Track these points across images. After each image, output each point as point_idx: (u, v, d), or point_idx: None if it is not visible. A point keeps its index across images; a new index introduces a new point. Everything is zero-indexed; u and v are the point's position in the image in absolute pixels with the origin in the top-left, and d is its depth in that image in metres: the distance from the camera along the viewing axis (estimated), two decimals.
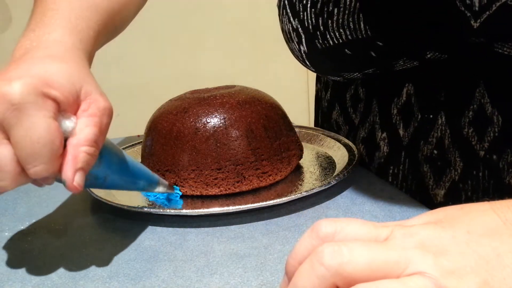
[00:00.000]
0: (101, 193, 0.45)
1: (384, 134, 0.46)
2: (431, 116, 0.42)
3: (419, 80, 0.42)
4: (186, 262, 0.35)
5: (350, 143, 0.52)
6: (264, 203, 0.41)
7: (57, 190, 0.52)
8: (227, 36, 1.86)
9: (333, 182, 0.44)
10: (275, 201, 0.41)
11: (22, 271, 0.36)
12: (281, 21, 0.49)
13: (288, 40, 0.48)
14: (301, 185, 0.47)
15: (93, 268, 0.35)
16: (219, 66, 1.88)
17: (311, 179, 0.48)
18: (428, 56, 0.39)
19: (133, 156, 0.57)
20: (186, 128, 0.45)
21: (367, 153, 0.48)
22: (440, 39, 0.37)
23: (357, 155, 0.49)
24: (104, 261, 0.36)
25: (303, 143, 0.53)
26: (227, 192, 0.45)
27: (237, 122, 0.45)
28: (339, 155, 0.52)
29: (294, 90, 1.96)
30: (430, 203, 0.43)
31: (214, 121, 0.44)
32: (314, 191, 0.43)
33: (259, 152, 0.46)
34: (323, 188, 0.43)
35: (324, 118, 0.58)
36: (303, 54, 0.47)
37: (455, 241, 0.22)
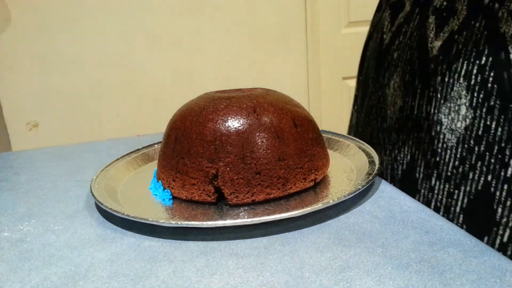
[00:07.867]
0: (102, 199, 0.45)
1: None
2: None
3: None
4: (186, 262, 0.35)
5: (369, 148, 0.52)
6: (283, 215, 0.38)
7: (57, 190, 0.52)
8: (227, 37, 1.86)
9: (352, 194, 0.41)
10: (296, 212, 0.39)
11: (22, 271, 0.36)
12: None
13: None
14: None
15: (93, 268, 0.35)
16: (219, 66, 1.88)
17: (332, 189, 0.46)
18: None
19: (148, 156, 0.57)
20: (209, 129, 0.43)
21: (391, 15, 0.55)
22: None
23: (377, 164, 0.47)
24: (104, 261, 0.36)
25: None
26: (268, 197, 0.44)
27: (265, 127, 0.43)
28: (357, 158, 0.51)
29: (294, 90, 1.96)
30: (426, 58, 0.47)
31: (240, 123, 0.43)
32: (333, 203, 0.40)
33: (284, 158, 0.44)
34: (348, 197, 0.41)
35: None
36: None
37: None
